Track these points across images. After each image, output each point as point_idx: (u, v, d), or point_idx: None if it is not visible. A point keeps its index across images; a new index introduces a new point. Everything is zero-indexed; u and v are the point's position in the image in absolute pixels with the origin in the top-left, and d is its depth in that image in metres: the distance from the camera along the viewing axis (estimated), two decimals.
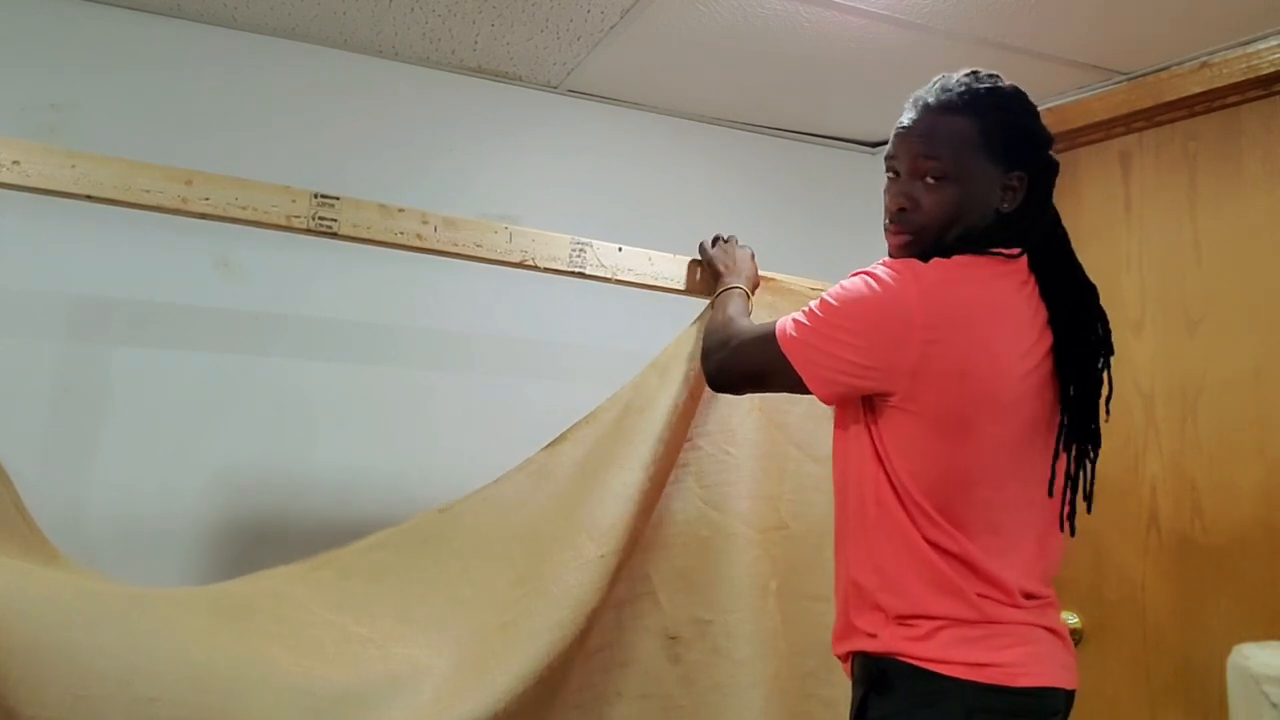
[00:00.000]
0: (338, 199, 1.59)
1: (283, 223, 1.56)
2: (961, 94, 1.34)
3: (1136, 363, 2.12)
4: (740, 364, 1.44)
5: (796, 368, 1.31)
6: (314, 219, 1.57)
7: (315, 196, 1.58)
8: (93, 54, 2.09)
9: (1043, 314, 1.30)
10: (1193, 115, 2.09)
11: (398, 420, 2.25)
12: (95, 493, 1.99)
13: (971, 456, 1.25)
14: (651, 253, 1.81)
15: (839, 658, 1.38)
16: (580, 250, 1.75)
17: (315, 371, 2.20)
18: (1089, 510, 1.33)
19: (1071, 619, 2.15)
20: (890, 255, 1.38)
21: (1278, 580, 1.87)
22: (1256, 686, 1.26)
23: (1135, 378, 2.12)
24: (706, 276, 1.79)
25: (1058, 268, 1.33)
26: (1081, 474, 1.31)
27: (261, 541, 2.10)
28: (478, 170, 2.39)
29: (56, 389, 2.00)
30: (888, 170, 1.39)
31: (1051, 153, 1.38)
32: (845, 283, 1.31)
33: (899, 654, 1.25)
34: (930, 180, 1.33)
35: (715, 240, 1.82)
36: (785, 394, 1.48)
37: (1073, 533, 1.33)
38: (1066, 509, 1.32)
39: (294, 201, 1.57)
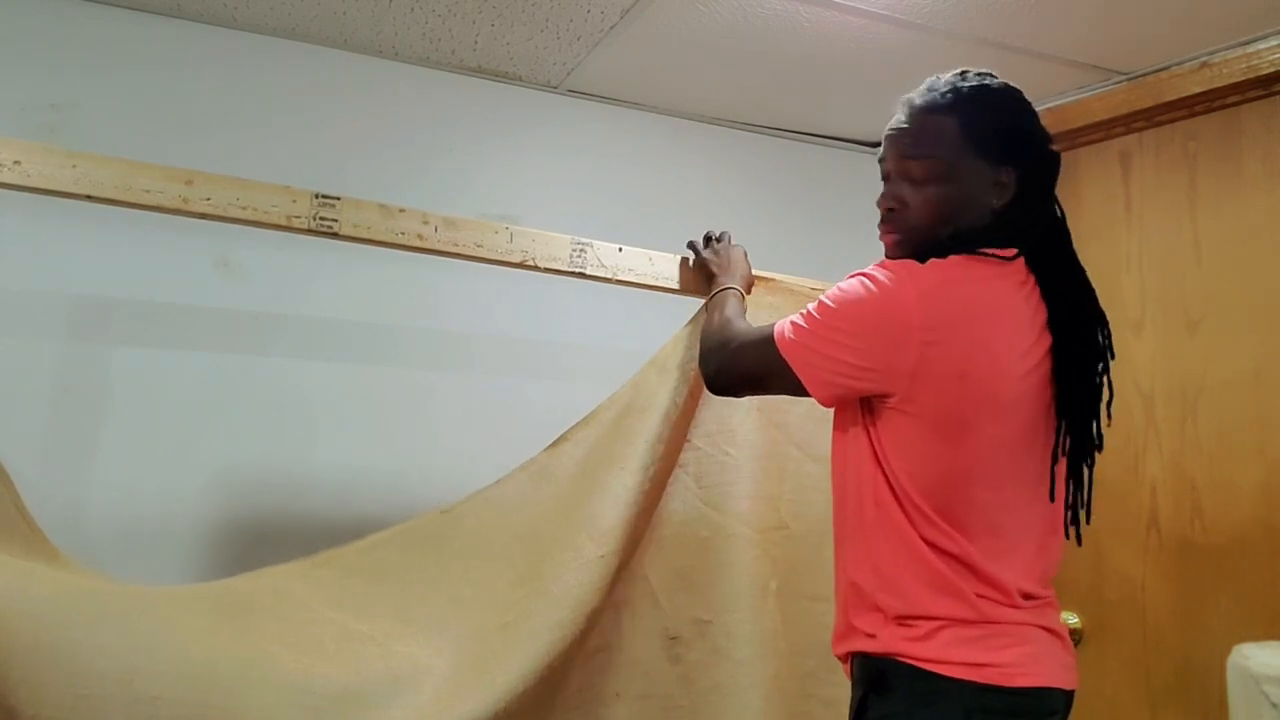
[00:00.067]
0: (338, 199, 1.59)
1: (283, 223, 1.56)
2: (946, 93, 1.35)
3: (1136, 363, 2.12)
4: (738, 366, 1.44)
5: (795, 370, 1.31)
6: (314, 219, 1.57)
7: (316, 197, 1.58)
8: (93, 54, 2.09)
9: (1043, 313, 1.30)
10: (1193, 115, 2.09)
11: (398, 420, 2.25)
12: (95, 493, 1.99)
13: (970, 457, 1.25)
14: (652, 253, 1.81)
15: (839, 658, 1.38)
16: (581, 250, 1.75)
17: (315, 371, 2.20)
18: (1087, 520, 1.33)
19: (1071, 619, 2.15)
20: (886, 256, 1.38)
21: (1278, 580, 1.87)
22: (1256, 686, 1.26)
23: (1135, 378, 2.12)
24: (700, 277, 1.79)
25: (1056, 269, 1.33)
26: (1079, 481, 1.31)
27: (261, 541, 2.10)
28: (478, 170, 2.39)
29: (56, 389, 2.00)
30: (881, 173, 1.41)
31: (1049, 149, 1.38)
32: (843, 285, 1.31)
33: (898, 654, 1.25)
34: (916, 180, 1.35)
35: (707, 240, 1.82)
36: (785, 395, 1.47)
37: (1079, 542, 1.33)
38: (1069, 514, 1.32)
39: (294, 201, 1.57)
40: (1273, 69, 1.91)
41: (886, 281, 1.26)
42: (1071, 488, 1.31)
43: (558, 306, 2.37)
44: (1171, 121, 2.13)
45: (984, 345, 1.25)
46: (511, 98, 2.43)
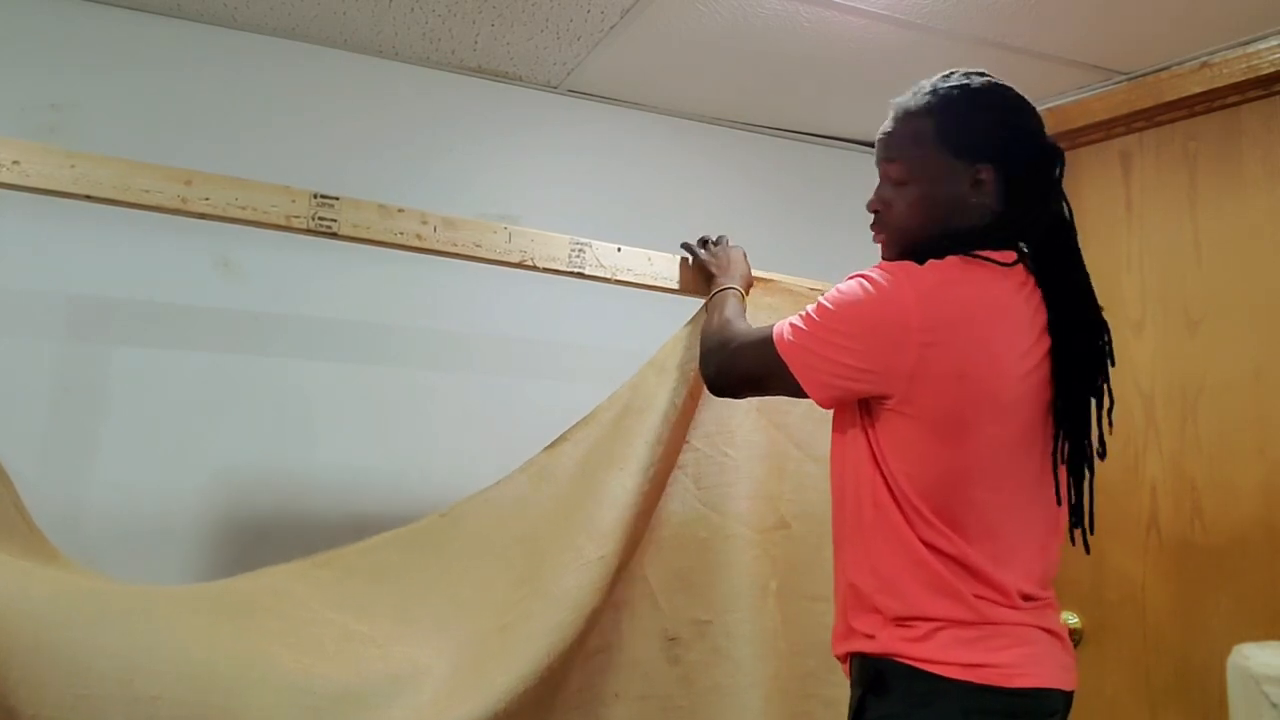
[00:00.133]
0: (337, 199, 1.59)
1: (282, 223, 1.56)
2: (926, 94, 1.37)
3: (1136, 363, 2.12)
4: (738, 368, 1.44)
5: (793, 372, 1.32)
6: (314, 219, 1.57)
7: (315, 196, 1.58)
8: (93, 54, 2.09)
9: (1043, 315, 1.29)
10: (1193, 115, 2.09)
11: (397, 420, 2.26)
12: (95, 492, 1.99)
13: (969, 458, 1.25)
14: (650, 253, 1.81)
15: (838, 658, 1.38)
16: (579, 250, 1.75)
17: (315, 371, 2.20)
18: (1091, 529, 1.32)
19: (1071, 619, 2.15)
20: (881, 258, 1.39)
21: (1278, 580, 1.87)
22: (1256, 686, 1.26)
23: (1135, 378, 2.12)
24: (699, 278, 1.79)
25: (1059, 273, 1.31)
26: (1079, 483, 1.31)
27: (261, 541, 2.10)
28: (478, 170, 2.39)
29: (56, 389, 2.00)
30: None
31: (1040, 145, 1.35)
32: (841, 286, 1.31)
33: (896, 655, 1.24)
34: (896, 181, 1.38)
35: (704, 243, 1.82)
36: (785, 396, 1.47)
37: (1086, 549, 1.32)
38: (1071, 517, 1.32)
39: (294, 201, 1.57)
40: (1273, 69, 1.91)
41: (884, 283, 1.26)
42: (1072, 490, 1.31)
43: (557, 306, 2.37)
44: (1172, 121, 2.13)
45: (983, 346, 1.24)
46: (511, 98, 2.43)
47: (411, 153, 2.33)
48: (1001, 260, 1.28)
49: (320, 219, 1.58)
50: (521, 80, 2.42)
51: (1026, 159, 1.35)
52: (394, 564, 1.62)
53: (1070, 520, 1.32)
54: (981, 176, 1.33)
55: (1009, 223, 1.33)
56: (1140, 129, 2.19)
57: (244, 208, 1.54)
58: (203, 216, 1.53)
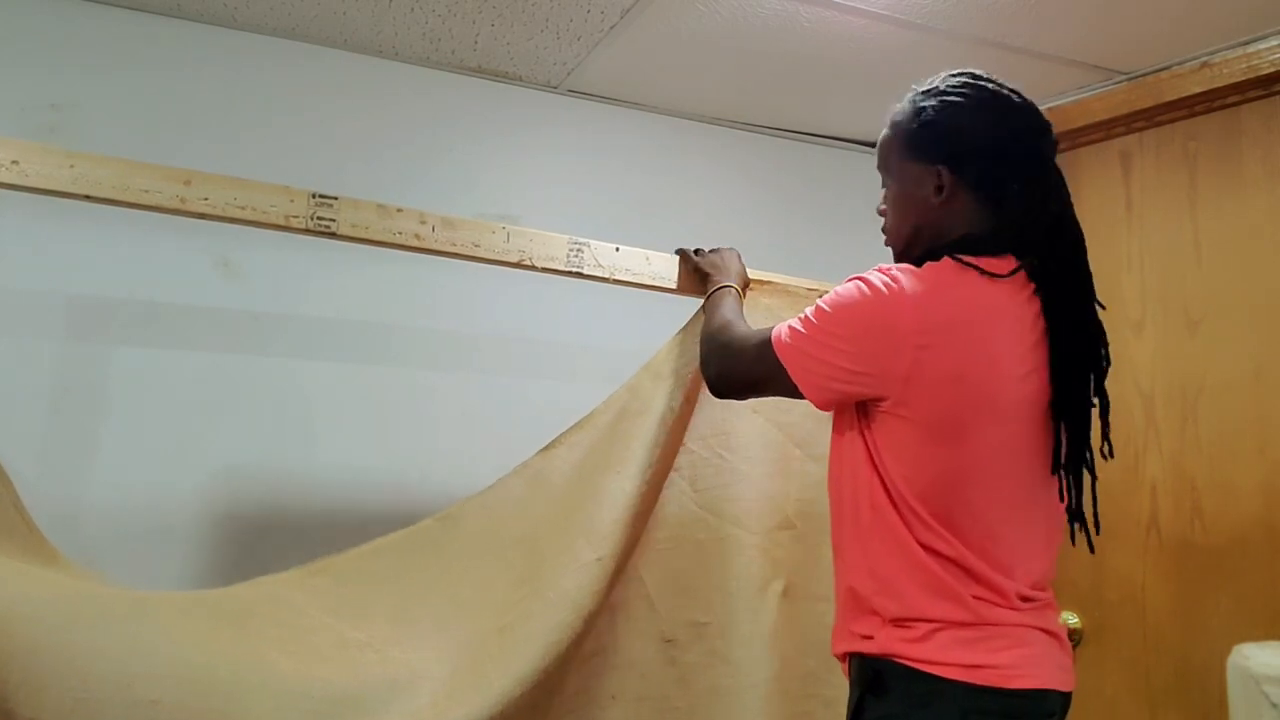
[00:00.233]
0: (336, 199, 1.59)
1: (281, 223, 1.56)
2: (907, 98, 1.40)
3: (1136, 363, 2.12)
4: (739, 371, 1.45)
5: (791, 375, 1.32)
6: (312, 219, 1.57)
7: (314, 196, 1.58)
8: (93, 54, 2.09)
9: (1042, 320, 1.29)
10: (1193, 115, 2.09)
11: (397, 420, 2.26)
12: (94, 492, 1.99)
13: (966, 460, 1.25)
14: (649, 253, 1.81)
15: (837, 658, 1.38)
16: (578, 250, 1.75)
17: (315, 371, 2.20)
18: (1097, 530, 1.32)
19: (1071, 619, 2.15)
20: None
21: (1278, 580, 1.87)
22: (1256, 686, 1.26)
23: (1135, 378, 2.12)
24: (695, 279, 1.79)
25: (1056, 280, 1.29)
26: (1078, 485, 1.30)
27: (261, 541, 2.10)
28: (478, 170, 2.39)
29: (56, 389, 2.00)
30: None
31: (1003, 145, 1.32)
32: (839, 288, 1.31)
33: (895, 655, 1.24)
34: (884, 187, 1.43)
35: (697, 252, 1.82)
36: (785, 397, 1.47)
37: (1091, 549, 1.32)
38: (1070, 518, 1.31)
39: (292, 201, 1.57)
40: (1273, 69, 1.91)
41: (881, 286, 1.26)
42: (1073, 492, 1.30)
43: (556, 306, 2.37)
44: (1172, 121, 2.13)
45: (981, 349, 1.24)
46: (511, 98, 2.43)
47: (411, 153, 2.33)
48: (994, 270, 1.26)
49: (319, 219, 1.58)
50: (521, 80, 2.42)
51: (985, 159, 1.33)
52: (390, 569, 1.62)
53: (1070, 521, 1.32)
54: (941, 180, 1.34)
55: (1001, 228, 1.31)
56: (1140, 129, 2.19)
57: (243, 208, 1.54)
58: (202, 216, 1.53)
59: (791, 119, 2.64)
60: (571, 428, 1.73)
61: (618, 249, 1.78)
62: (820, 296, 1.34)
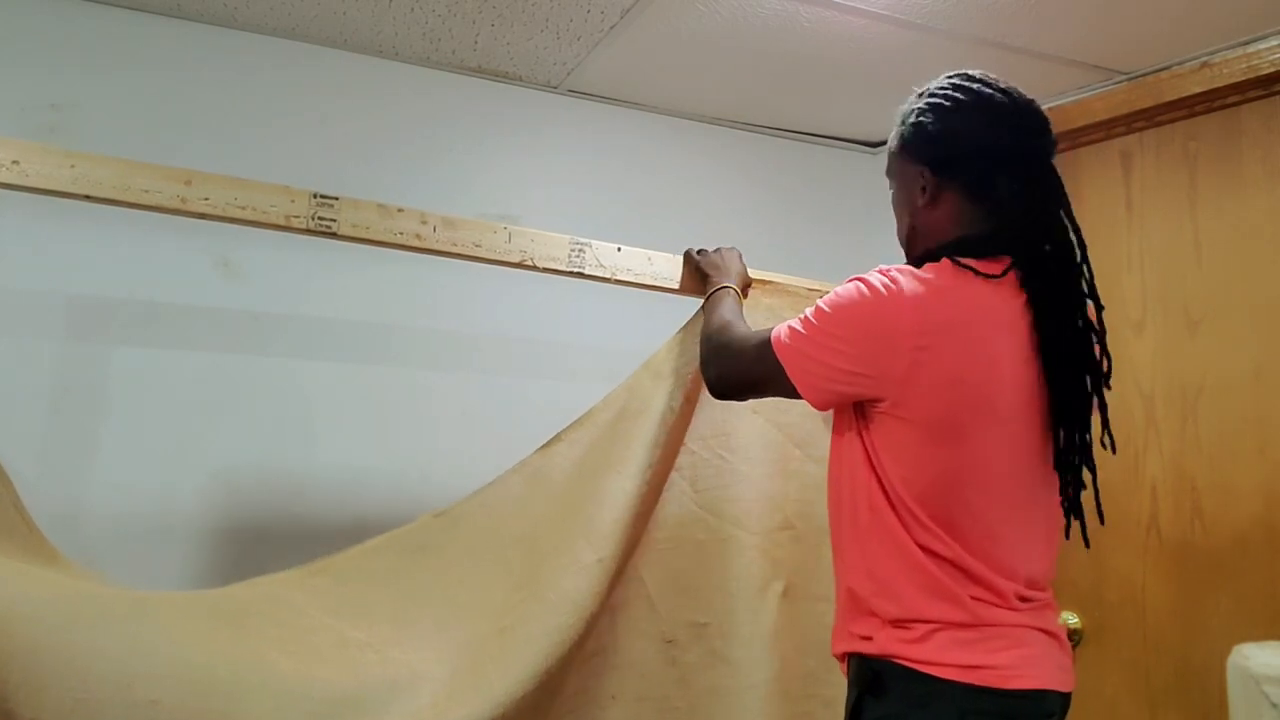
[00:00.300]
0: (337, 199, 1.59)
1: (282, 223, 1.56)
2: (909, 100, 1.41)
3: (1136, 363, 2.12)
4: (738, 371, 1.45)
5: (790, 375, 1.32)
6: (313, 219, 1.57)
7: (314, 196, 1.58)
8: (93, 54, 2.09)
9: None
10: (1193, 115, 2.09)
11: (398, 420, 2.26)
12: (94, 492, 1.99)
13: (964, 461, 1.25)
14: (651, 253, 1.81)
15: (836, 658, 1.38)
16: (579, 250, 1.74)
17: (315, 371, 2.20)
18: (1100, 520, 1.32)
19: (1071, 619, 2.15)
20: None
21: (1278, 580, 1.87)
22: (1256, 686, 1.26)
23: (1135, 378, 2.12)
24: (695, 279, 1.79)
25: (1046, 283, 1.28)
26: (1076, 483, 1.30)
27: (261, 541, 2.10)
28: (478, 170, 2.39)
29: (56, 389, 2.00)
30: None
31: (983, 147, 1.32)
32: (839, 289, 1.31)
33: (894, 656, 1.25)
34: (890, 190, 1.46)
35: (700, 252, 1.82)
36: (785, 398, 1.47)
37: (1086, 544, 1.32)
38: (1068, 517, 1.31)
39: (293, 201, 1.56)
40: (1273, 69, 1.91)
41: (880, 287, 1.26)
42: (1069, 488, 1.30)
43: (556, 306, 2.37)
44: (1172, 121, 2.12)
45: (979, 350, 1.24)
46: (511, 98, 2.43)
47: (411, 153, 2.33)
48: (989, 272, 1.26)
49: (320, 219, 1.58)
50: (521, 80, 2.42)
51: (972, 161, 1.33)
52: (390, 569, 1.62)
53: (1065, 515, 1.32)
54: (923, 181, 1.36)
55: (995, 230, 1.31)
56: (1140, 129, 2.19)
57: (244, 207, 1.54)
58: (202, 216, 1.53)
59: (791, 119, 2.64)
60: (572, 424, 1.73)
61: (619, 249, 1.78)
62: (822, 297, 1.34)
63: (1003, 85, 1.36)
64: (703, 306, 1.70)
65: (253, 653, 1.42)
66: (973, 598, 1.24)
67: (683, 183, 2.60)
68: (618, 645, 1.69)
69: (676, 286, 1.82)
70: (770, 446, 1.80)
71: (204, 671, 1.36)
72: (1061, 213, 1.33)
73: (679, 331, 1.77)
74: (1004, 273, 1.27)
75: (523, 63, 2.31)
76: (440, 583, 1.62)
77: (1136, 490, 2.11)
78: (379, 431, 2.23)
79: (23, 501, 1.49)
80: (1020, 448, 1.27)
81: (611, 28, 2.09)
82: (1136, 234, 2.18)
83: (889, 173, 1.45)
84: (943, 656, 1.22)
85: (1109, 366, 1.33)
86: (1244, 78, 1.95)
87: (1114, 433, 1.35)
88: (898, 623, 1.26)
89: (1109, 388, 1.34)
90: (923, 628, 1.24)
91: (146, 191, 1.49)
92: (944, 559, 1.24)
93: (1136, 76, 2.16)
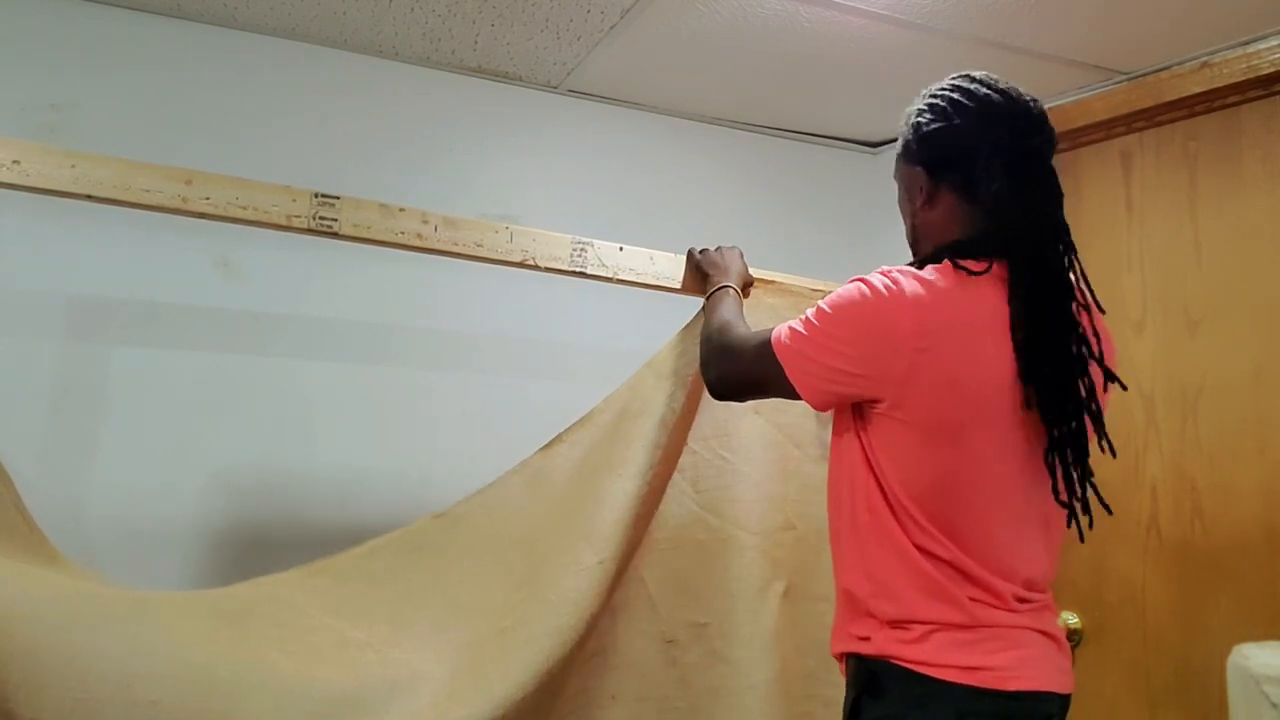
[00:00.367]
0: (338, 198, 1.59)
1: (283, 222, 1.56)
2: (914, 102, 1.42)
3: (1136, 363, 2.12)
4: (739, 372, 1.44)
5: (789, 376, 1.32)
6: (314, 219, 1.57)
7: (315, 196, 1.58)
8: (93, 54, 2.09)
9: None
10: (1193, 115, 2.09)
11: (398, 420, 2.25)
12: (94, 492, 1.99)
13: (962, 462, 1.24)
14: (653, 252, 1.81)
15: (835, 658, 1.38)
16: (581, 250, 1.74)
17: (315, 371, 2.20)
18: (1106, 510, 1.32)
19: (1071, 620, 2.15)
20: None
21: (1278, 580, 1.87)
22: (1256, 686, 1.26)
23: (1135, 378, 2.12)
24: (696, 278, 1.79)
25: (1029, 285, 1.27)
26: (1070, 482, 1.29)
27: (261, 541, 2.10)
28: (478, 170, 2.39)
29: (56, 389, 2.00)
30: None
31: (984, 147, 1.31)
32: (840, 290, 1.31)
33: (892, 657, 1.24)
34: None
35: (702, 251, 1.82)
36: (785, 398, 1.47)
37: (1081, 539, 1.32)
38: (1069, 517, 1.31)
39: (294, 201, 1.56)
40: (1273, 69, 1.91)
41: (881, 288, 1.25)
42: (1065, 484, 1.29)
43: (558, 306, 2.37)
44: (1172, 121, 2.13)
45: (978, 351, 1.24)
46: (511, 98, 2.43)
47: (411, 153, 2.33)
48: (980, 271, 1.26)
49: (321, 218, 1.58)
50: (521, 80, 2.42)
51: (965, 163, 1.32)
52: (390, 569, 1.62)
53: (1068, 516, 1.31)
54: (920, 182, 1.37)
55: (990, 231, 1.30)
56: (1140, 129, 2.19)
57: (245, 207, 1.54)
58: (203, 216, 1.53)
59: (791, 119, 2.64)
60: (572, 426, 1.73)
61: (621, 249, 1.78)
62: (823, 297, 1.34)
63: (1002, 85, 1.35)
64: (702, 307, 1.70)
65: (253, 653, 1.42)
66: (971, 599, 1.24)
67: (682, 183, 2.60)
68: (618, 645, 1.69)
69: (679, 286, 1.81)
70: (771, 447, 1.80)
71: (204, 671, 1.36)
72: (1052, 211, 1.32)
73: (681, 331, 1.77)
74: (988, 268, 1.26)
75: (523, 63, 2.31)
76: (440, 583, 1.62)
77: (1136, 490, 2.11)
78: (379, 432, 2.23)
79: (23, 501, 1.49)
80: (1018, 449, 1.27)
81: (611, 28, 2.09)
82: (1136, 234, 2.18)
83: (895, 175, 1.45)
84: (941, 657, 1.22)
85: (1109, 372, 1.33)
86: (1244, 78, 1.95)
87: (1114, 433, 1.35)
88: (896, 623, 1.26)
89: (1107, 390, 1.33)
90: (921, 628, 1.24)
91: (147, 191, 1.49)
92: (942, 560, 1.24)
93: (1136, 76, 2.16)
